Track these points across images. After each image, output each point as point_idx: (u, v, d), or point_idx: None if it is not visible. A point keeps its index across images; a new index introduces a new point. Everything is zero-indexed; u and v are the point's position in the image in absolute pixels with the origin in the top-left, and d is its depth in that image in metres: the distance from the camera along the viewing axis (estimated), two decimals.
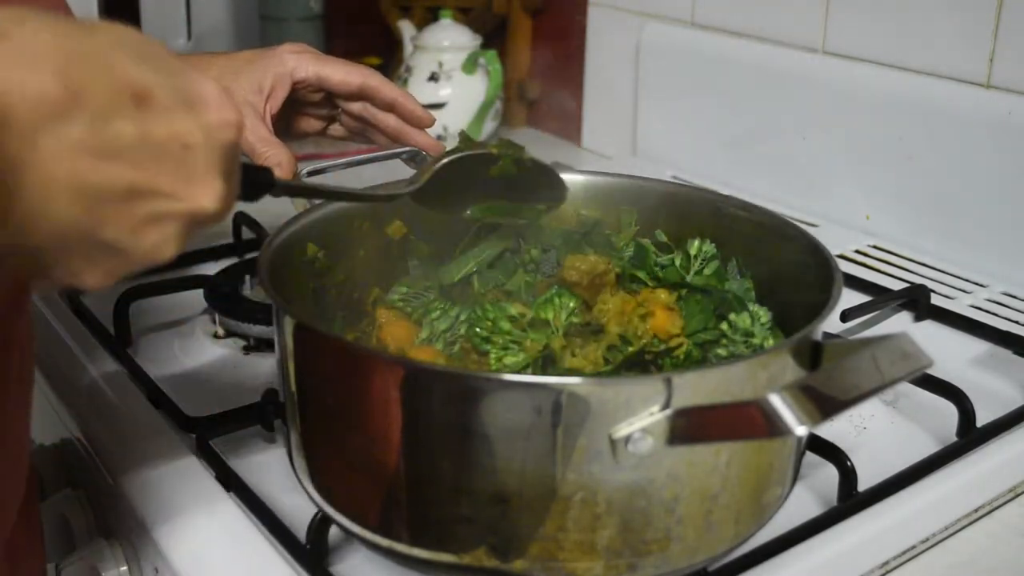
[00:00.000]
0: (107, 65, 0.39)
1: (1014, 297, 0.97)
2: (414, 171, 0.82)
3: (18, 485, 0.64)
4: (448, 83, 1.45)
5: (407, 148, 0.83)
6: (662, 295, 0.67)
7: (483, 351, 0.62)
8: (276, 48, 0.80)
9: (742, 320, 0.64)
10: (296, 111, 0.84)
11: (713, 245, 0.72)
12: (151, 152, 0.40)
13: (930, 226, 1.06)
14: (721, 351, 0.65)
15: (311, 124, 0.86)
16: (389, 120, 0.82)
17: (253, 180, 0.52)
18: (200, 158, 0.42)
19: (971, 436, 0.72)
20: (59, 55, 0.38)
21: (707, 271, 0.72)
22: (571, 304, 0.63)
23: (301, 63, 0.79)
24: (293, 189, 0.58)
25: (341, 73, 0.79)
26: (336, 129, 0.87)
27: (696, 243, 0.72)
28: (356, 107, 0.83)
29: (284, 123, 0.84)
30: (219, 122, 0.42)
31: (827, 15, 1.13)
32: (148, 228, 0.41)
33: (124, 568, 0.69)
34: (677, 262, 0.72)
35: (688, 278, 0.71)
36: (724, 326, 0.65)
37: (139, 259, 0.42)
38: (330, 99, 0.83)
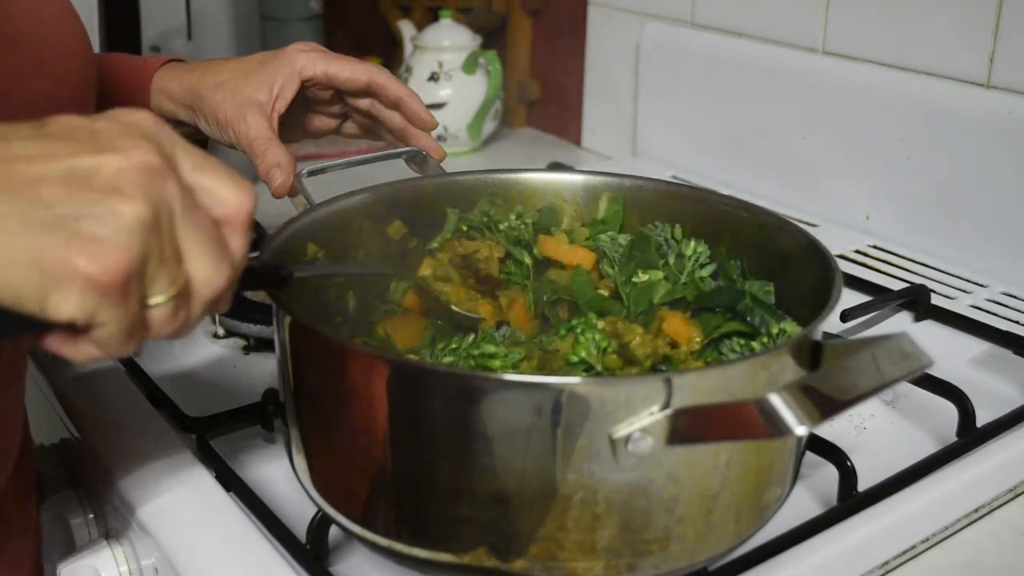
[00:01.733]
0: None
1: (1014, 297, 0.97)
2: (415, 172, 0.83)
3: (9, 448, 0.65)
4: (448, 83, 1.45)
5: (408, 148, 0.83)
6: (676, 318, 0.67)
7: None
8: (286, 48, 0.80)
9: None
10: (309, 110, 0.84)
11: (706, 246, 0.72)
12: (58, 143, 0.41)
13: (930, 226, 1.06)
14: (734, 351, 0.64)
15: (324, 123, 0.86)
16: (395, 118, 0.83)
17: (274, 278, 0.56)
18: (112, 134, 0.42)
19: (971, 436, 0.72)
20: None
21: (704, 272, 0.71)
22: (596, 337, 0.61)
23: (310, 61, 0.79)
24: (315, 277, 0.62)
25: (348, 70, 0.80)
26: (348, 127, 0.87)
27: (692, 244, 0.72)
28: (364, 104, 0.83)
29: (298, 122, 0.84)
30: (131, 119, 0.44)
31: (827, 15, 1.13)
32: (86, 185, 0.40)
33: (124, 568, 0.69)
34: (671, 261, 0.72)
35: (682, 279, 0.71)
36: (764, 338, 0.64)
37: (104, 219, 0.40)
38: (341, 97, 0.84)
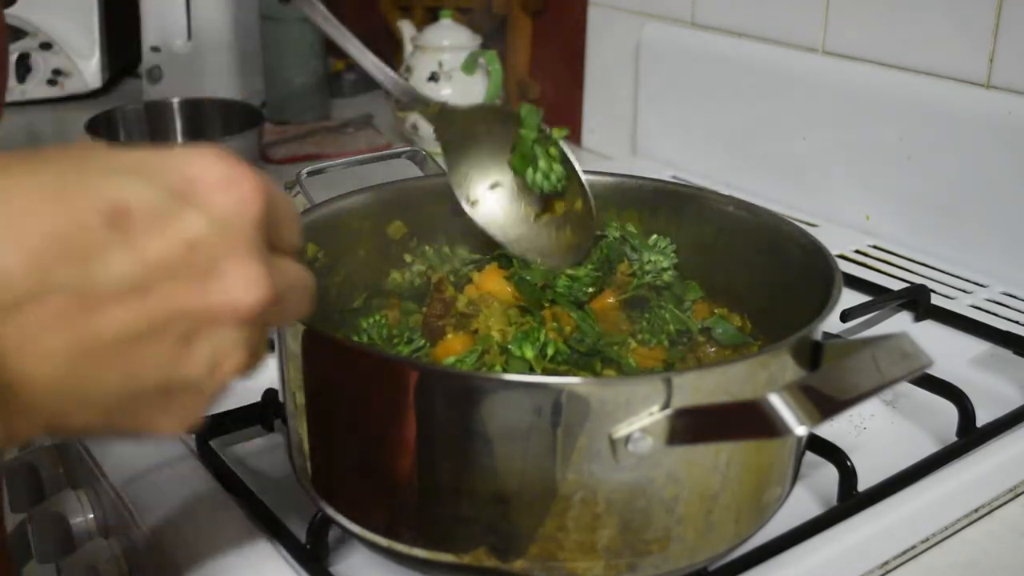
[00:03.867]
0: (70, 198, 0.33)
1: (1014, 297, 0.97)
2: (420, 172, 0.83)
3: None
4: (448, 83, 1.45)
5: (408, 148, 0.83)
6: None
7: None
8: None
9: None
10: None
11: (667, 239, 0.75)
12: (151, 272, 0.34)
13: (930, 226, 1.06)
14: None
15: None
16: None
17: None
18: (211, 250, 0.35)
19: (971, 436, 0.72)
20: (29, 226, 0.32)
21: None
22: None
23: None
24: None
25: None
26: None
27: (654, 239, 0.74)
28: None
29: None
30: (225, 200, 0.36)
31: (827, 15, 1.13)
32: (189, 350, 0.35)
33: (124, 568, 0.69)
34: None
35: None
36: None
37: (203, 385, 0.37)
38: None
